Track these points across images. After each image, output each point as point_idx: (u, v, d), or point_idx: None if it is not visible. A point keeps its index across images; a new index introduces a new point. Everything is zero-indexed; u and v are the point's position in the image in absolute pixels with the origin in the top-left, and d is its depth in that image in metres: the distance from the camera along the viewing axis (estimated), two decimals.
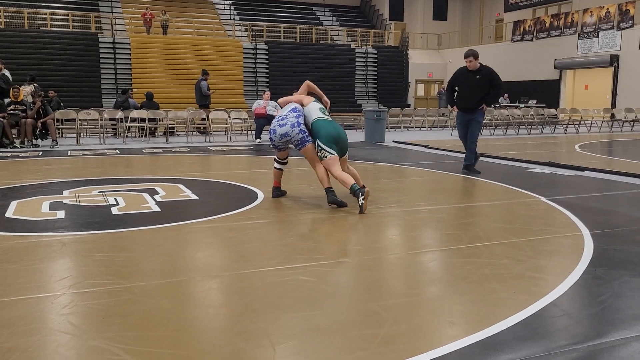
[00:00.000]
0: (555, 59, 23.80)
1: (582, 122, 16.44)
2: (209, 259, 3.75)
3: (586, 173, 7.62)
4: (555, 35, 24.13)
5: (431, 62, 29.26)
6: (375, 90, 26.52)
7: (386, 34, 29.04)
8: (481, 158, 8.17)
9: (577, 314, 2.77)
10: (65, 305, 2.81)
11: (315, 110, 5.55)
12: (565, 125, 16.67)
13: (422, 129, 16.92)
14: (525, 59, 25.08)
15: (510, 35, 26.56)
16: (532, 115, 16.55)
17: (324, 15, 29.97)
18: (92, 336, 2.44)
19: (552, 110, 17.46)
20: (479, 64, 7.50)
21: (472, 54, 7.48)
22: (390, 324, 2.59)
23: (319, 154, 5.34)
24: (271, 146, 5.61)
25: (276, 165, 5.75)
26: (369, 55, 26.51)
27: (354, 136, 14.13)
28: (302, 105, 5.60)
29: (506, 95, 22.95)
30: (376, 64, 26.63)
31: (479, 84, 7.48)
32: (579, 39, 23.10)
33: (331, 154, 5.30)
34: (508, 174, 7.50)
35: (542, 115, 16.67)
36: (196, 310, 2.84)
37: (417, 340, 2.45)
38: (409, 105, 24.92)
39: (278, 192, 5.75)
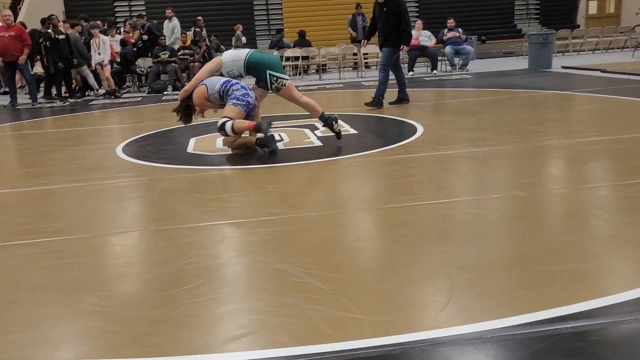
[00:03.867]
0: None
1: None
2: (374, 191, 3.78)
3: None
4: None
5: None
6: (538, 11, 24.18)
7: None
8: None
9: None
10: (249, 231, 3.03)
11: (232, 52, 5.06)
12: None
13: (595, 51, 15.21)
14: None
15: None
16: None
17: None
18: (276, 260, 2.60)
19: None
20: None
21: None
22: (578, 261, 2.41)
23: (274, 84, 4.87)
24: (247, 109, 4.82)
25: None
26: None
27: (515, 64, 13.16)
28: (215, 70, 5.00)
29: None
30: None
31: (384, 19, 7.17)
32: None
33: (286, 79, 4.90)
34: None
35: None
36: (368, 239, 2.90)
37: (612, 279, 2.25)
38: (578, 26, 22.44)
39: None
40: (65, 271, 2.62)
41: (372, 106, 7.34)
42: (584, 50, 15.25)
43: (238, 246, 2.84)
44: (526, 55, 12.88)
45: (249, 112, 4.87)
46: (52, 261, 2.75)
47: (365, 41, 8.12)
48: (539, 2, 24.17)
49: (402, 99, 7.72)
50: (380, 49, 7.59)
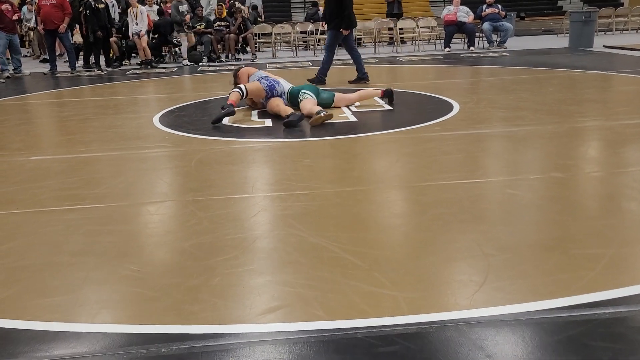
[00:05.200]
0: None
1: None
2: (410, 168, 3.75)
3: None
4: None
5: None
6: None
7: None
8: None
9: None
10: (284, 205, 3.05)
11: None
12: None
13: (639, 31, 14.64)
14: None
15: None
16: None
17: None
18: (311, 234, 2.62)
19: None
20: None
21: None
22: (618, 245, 2.36)
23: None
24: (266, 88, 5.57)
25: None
26: None
27: (555, 42, 12.82)
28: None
29: None
30: None
31: (327, 1, 7.30)
32: None
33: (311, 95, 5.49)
34: None
35: None
36: (403, 216, 2.89)
37: None
38: (621, 4, 21.62)
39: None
40: (106, 237, 2.70)
41: (315, 83, 7.29)
42: (627, 30, 14.71)
43: (274, 219, 2.87)
44: (567, 33, 12.50)
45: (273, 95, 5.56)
46: (92, 227, 2.83)
47: (324, 23, 8.20)
48: None
49: (361, 77, 7.72)
50: (327, 30, 7.73)
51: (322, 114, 4.95)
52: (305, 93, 5.48)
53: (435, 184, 3.32)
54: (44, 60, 12.43)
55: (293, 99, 5.60)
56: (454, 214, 2.81)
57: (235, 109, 5.34)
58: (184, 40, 11.27)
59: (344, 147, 4.34)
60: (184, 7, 11.24)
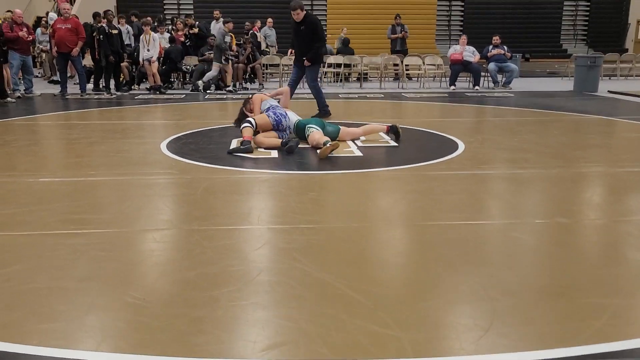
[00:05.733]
0: None
1: None
2: (415, 206, 3.77)
3: None
4: None
5: None
6: (586, 33, 23.74)
7: None
8: None
9: None
10: (289, 238, 3.06)
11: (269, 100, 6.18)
12: None
13: None
14: None
15: None
16: None
17: None
18: (316, 269, 2.62)
19: None
20: (303, 16, 7.56)
21: (299, 6, 7.48)
22: (623, 295, 2.36)
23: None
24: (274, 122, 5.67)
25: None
26: None
27: (560, 85, 12.96)
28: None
29: None
30: (589, 2, 23.70)
31: (303, 35, 7.64)
32: None
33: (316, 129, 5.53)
34: None
35: None
36: (408, 255, 2.90)
37: None
38: (626, 50, 21.94)
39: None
40: (111, 263, 2.70)
41: (322, 116, 7.42)
42: (631, 76, 14.90)
43: (278, 252, 2.88)
44: (571, 76, 12.65)
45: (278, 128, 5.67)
46: (98, 253, 2.84)
47: (292, 50, 8.48)
48: (586, 22, 23.74)
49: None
50: (295, 63, 8.08)
51: (328, 145, 5.02)
52: (311, 127, 5.54)
53: (440, 223, 3.33)
54: (53, 82, 12.58)
55: (300, 132, 5.66)
56: (459, 255, 2.81)
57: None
58: (215, 71, 11.44)
59: (349, 182, 4.36)
60: (228, 38, 11.48)
